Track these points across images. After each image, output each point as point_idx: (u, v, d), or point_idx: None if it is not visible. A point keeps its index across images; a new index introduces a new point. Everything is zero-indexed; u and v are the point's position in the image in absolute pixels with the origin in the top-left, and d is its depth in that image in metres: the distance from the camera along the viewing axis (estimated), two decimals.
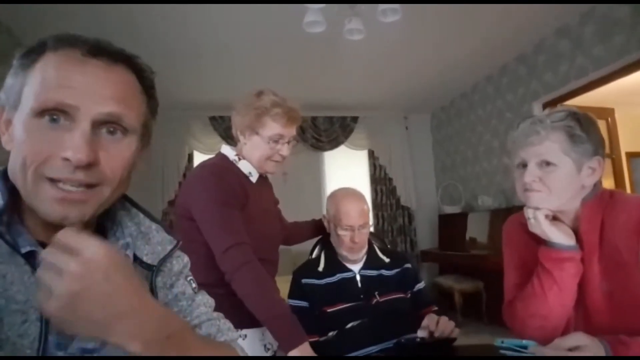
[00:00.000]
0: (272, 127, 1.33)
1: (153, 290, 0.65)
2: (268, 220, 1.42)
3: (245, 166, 1.36)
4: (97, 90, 0.54)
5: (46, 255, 0.45)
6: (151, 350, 0.48)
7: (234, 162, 1.36)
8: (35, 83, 0.53)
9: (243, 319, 1.14)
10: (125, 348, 0.46)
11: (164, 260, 0.68)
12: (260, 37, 3.33)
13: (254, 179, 1.37)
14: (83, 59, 0.55)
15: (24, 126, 0.53)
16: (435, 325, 1.23)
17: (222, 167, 1.33)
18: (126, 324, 0.46)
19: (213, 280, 1.16)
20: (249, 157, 1.37)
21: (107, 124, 0.56)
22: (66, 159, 0.51)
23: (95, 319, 0.45)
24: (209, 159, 1.41)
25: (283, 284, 1.43)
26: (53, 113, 0.52)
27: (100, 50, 0.56)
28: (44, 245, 0.53)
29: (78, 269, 0.44)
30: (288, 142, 1.38)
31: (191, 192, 1.30)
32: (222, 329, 0.74)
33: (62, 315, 0.44)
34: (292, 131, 1.38)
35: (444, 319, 1.26)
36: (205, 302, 0.74)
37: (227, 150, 1.40)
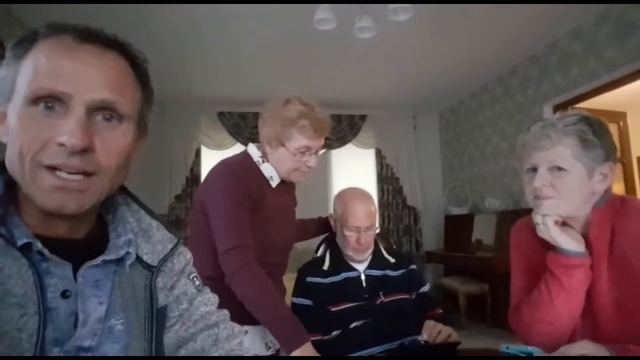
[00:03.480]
0: (299, 139, 1.29)
1: (152, 292, 0.63)
2: (283, 223, 1.39)
3: (267, 169, 1.34)
4: (89, 76, 0.54)
5: None
6: None
7: (258, 163, 1.34)
8: (28, 72, 0.53)
9: (246, 314, 1.14)
10: None
11: (164, 260, 0.66)
12: (270, 33, 3.32)
13: (274, 183, 1.35)
14: (74, 44, 0.54)
15: (18, 116, 0.52)
16: (436, 335, 1.25)
17: (242, 167, 1.31)
18: None
19: (220, 275, 1.17)
20: (276, 167, 1.34)
21: (102, 110, 0.55)
22: (61, 144, 0.51)
23: None
24: (233, 157, 1.38)
25: (288, 282, 1.44)
26: (47, 100, 0.52)
27: (92, 37, 0.56)
28: (40, 237, 0.53)
29: None
30: (315, 153, 1.35)
31: (208, 188, 1.30)
32: (219, 338, 0.71)
33: None
34: (320, 142, 1.34)
35: (445, 330, 1.27)
36: (206, 301, 0.72)
37: (253, 150, 1.37)
